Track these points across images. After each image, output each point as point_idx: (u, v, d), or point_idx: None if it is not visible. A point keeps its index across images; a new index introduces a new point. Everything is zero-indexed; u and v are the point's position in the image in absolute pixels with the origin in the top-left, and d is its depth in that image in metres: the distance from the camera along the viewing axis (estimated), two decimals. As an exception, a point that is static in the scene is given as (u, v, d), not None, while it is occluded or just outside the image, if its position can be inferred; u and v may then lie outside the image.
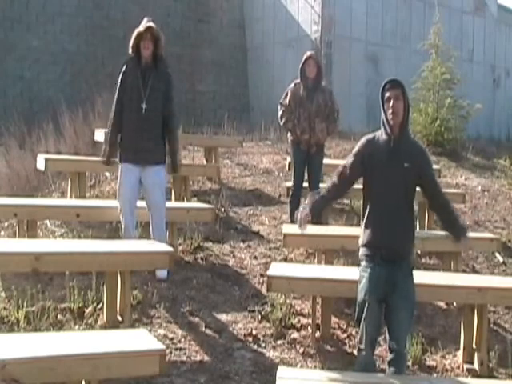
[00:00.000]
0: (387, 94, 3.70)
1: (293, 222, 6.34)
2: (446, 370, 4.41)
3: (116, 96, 5.16)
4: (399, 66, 12.68)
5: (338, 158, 9.36)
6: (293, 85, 6.50)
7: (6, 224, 6.08)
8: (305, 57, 6.41)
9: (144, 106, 5.04)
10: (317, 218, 5.30)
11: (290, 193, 6.56)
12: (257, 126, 11.08)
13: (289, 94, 6.47)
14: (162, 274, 5.13)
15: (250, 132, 10.61)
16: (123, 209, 5.15)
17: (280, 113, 6.50)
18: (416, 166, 3.76)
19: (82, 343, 3.28)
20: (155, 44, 5.08)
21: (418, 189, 3.87)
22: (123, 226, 5.21)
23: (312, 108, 6.30)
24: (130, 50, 5.15)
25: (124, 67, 5.17)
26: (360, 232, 3.96)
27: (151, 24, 5.08)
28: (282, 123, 6.53)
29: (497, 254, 6.58)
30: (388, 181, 3.76)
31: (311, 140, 6.34)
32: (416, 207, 7.18)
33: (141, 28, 5.08)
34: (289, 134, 6.57)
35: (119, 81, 5.15)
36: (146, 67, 5.11)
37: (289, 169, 7.33)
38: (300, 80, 6.43)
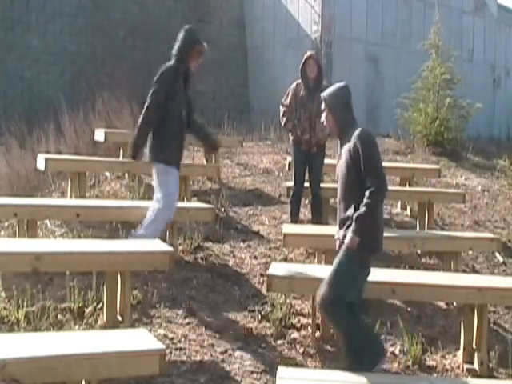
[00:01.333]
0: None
1: (294, 221, 6.37)
2: (446, 370, 4.41)
3: (160, 100, 5.17)
4: (399, 66, 12.68)
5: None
6: (294, 85, 6.51)
7: (6, 224, 6.08)
8: (305, 56, 6.42)
9: (184, 112, 5.33)
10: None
11: (291, 193, 6.55)
12: (257, 125, 11.08)
13: (290, 94, 6.49)
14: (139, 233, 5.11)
15: (249, 132, 10.61)
16: (171, 213, 5.21)
17: (281, 113, 6.53)
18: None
19: (81, 343, 3.28)
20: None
21: None
22: (160, 229, 5.21)
23: (313, 108, 6.26)
24: (177, 60, 5.26)
25: (169, 74, 5.23)
26: None
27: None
28: (282, 123, 6.55)
29: (497, 254, 6.58)
30: None
31: (312, 140, 6.35)
32: (416, 208, 7.20)
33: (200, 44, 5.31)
34: (290, 134, 6.59)
35: (165, 86, 5.18)
36: (185, 76, 5.37)
37: (289, 169, 7.34)
38: (301, 80, 6.44)
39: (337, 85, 4.33)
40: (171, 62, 5.26)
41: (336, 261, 4.02)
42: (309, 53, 6.53)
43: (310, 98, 6.32)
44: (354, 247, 3.87)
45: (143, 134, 5.22)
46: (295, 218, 6.55)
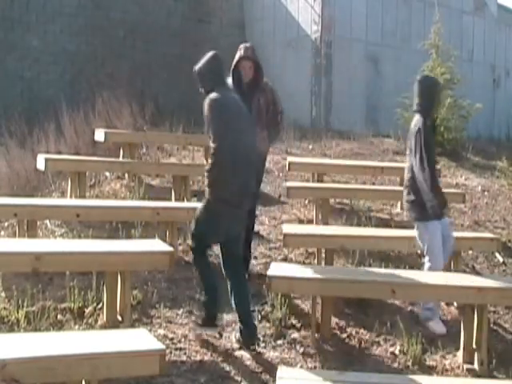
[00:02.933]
0: None
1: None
2: (446, 370, 4.41)
3: None
4: (399, 66, 12.68)
5: (337, 158, 9.37)
6: None
7: (6, 224, 6.07)
8: (237, 56, 5.19)
9: None
10: None
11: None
12: (257, 125, 11.06)
13: None
14: None
15: (249, 132, 10.58)
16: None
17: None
18: None
19: (81, 343, 3.28)
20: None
21: None
22: None
23: (251, 113, 4.99)
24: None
25: None
26: None
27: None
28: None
29: (497, 254, 6.58)
30: None
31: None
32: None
33: None
34: None
35: None
36: None
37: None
38: (232, 83, 5.13)
39: (206, 56, 4.56)
40: None
41: None
42: (242, 50, 5.22)
43: (246, 102, 4.86)
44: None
45: None
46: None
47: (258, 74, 5.22)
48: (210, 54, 4.56)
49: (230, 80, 5.09)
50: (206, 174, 4.34)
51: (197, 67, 4.52)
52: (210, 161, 4.32)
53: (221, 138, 4.25)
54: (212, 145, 4.25)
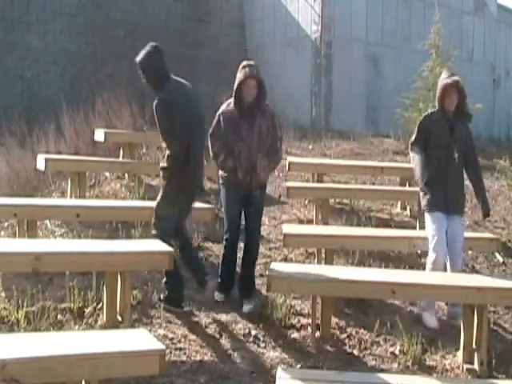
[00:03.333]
0: None
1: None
2: (446, 370, 4.41)
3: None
4: (399, 66, 12.68)
5: (337, 158, 9.37)
6: (224, 106, 5.00)
7: (6, 224, 6.08)
8: (243, 75, 4.82)
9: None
10: None
11: (223, 244, 5.12)
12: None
13: (222, 122, 4.94)
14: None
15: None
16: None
17: (214, 148, 4.96)
18: None
19: (81, 343, 3.28)
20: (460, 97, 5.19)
21: None
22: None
23: (253, 140, 4.88)
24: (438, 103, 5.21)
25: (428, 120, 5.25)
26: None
27: (457, 78, 5.18)
28: (219, 161, 4.96)
29: (497, 254, 6.58)
30: None
31: (253, 182, 4.92)
32: (416, 208, 7.19)
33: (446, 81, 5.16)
34: (222, 171, 5.05)
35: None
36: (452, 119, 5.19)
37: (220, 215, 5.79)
38: (234, 103, 4.88)
39: (146, 48, 4.74)
40: None
41: None
42: (247, 69, 4.83)
43: (248, 126, 4.87)
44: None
45: None
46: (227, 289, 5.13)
47: (261, 94, 4.91)
48: (149, 48, 4.68)
49: (231, 101, 4.92)
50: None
51: (138, 59, 4.66)
52: (166, 163, 4.66)
53: (173, 139, 4.62)
54: (168, 150, 4.65)
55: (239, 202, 4.98)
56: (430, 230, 5.07)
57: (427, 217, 5.14)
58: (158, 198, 4.84)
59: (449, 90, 5.10)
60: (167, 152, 4.66)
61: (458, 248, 5.08)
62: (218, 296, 5.04)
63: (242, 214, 5.06)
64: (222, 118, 4.92)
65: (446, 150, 5.10)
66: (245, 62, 4.94)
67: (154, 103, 4.60)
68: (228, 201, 5.01)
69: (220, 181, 5.12)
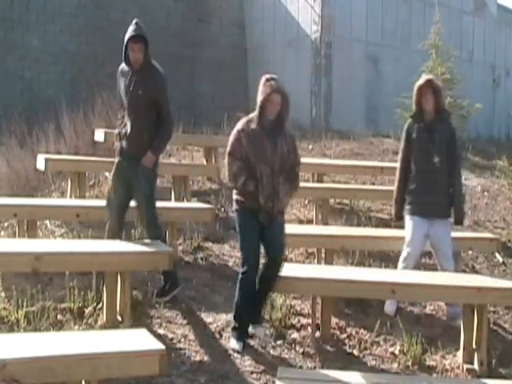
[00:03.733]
0: None
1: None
2: (446, 370, 4.41)
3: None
4: (399, 66, 12.67)
5: (337, 158, 9.37)
6: (244, 123, 4.43)
7: (5, 224, 6.07)
8: (268, 90, 4.33)
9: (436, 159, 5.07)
10: None
11: (239, 286, 4.42)
12: (257, 125, 11.05)
13: (242, 140, 4.39)
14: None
15: (249, 132, 10.58)
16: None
17: (232, 168, 4.42)
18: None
19: (81, 343, 3.28)
20: (435, 96, 5.09)
21: None
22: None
23: (275, 162, 4.39)
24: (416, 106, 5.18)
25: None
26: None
27: (430, 77, 5.16)
28: (239, 183, 4.39)
29: (497, 254, 6.58)
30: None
31: (274, 209, 4.40)
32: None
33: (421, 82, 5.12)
34: (239, 196, 4.46)
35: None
36: (430, 122, 5.13)
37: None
38: (257, 121, 4.38)
39: (136, 24, 4.80)
40: None
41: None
42: (273, 82, 4.37)
43: (271, 147, 4.38)
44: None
45: None
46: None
47: (284, 111, 4.40)
48: (139, 23, 4.77)
49: (252, 118, 4.42)
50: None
51: (142, 33, 4.74)
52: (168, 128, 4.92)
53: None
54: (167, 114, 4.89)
55: (259, 232, 4.40)
56: (407, 231, 5.13)
57: (406, 219, 5.17)
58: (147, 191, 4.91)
59: (423, 90, 5.08)
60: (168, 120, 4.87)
61: (445, 251, 5.07)
62: (237, 345, 4.35)
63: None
64: (242, 136, 4.37)
65: (426, 154, 5.07)
66: (268, 76, 4.44)
67: (160, 77, 4.86)
68: (246, 231, 4.42)
69: (235, 206, 4.51)
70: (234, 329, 4.44)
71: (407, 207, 5.15)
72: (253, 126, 4.37)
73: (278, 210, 4.42)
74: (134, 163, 4.88)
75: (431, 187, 5.06)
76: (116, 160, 5.02)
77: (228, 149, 4.44)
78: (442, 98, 5.18)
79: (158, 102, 4.88)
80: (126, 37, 4.75)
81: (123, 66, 4.96)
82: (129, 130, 4.90)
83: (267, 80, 4.38)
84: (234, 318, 4.44)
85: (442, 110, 5.17)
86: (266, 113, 4.36)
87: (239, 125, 4.44)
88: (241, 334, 4.41)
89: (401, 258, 5.12)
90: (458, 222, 5.16)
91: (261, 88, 4.38)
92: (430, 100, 5.06)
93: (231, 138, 4.44)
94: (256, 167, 4.34)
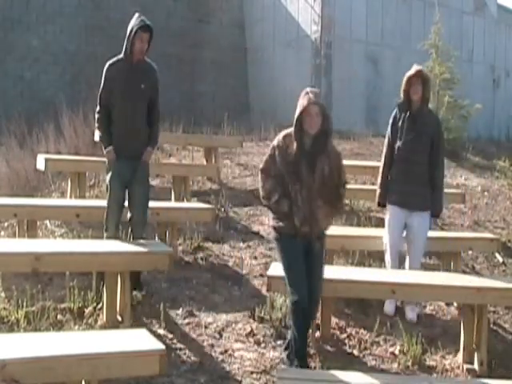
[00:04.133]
0: None
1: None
2: (446, 370, 4.41)
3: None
4: (399, 66, 12.64)
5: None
6: (280, 139, 4.12)
7: (5, 224, 6.08)
8: (305, 102, 4.03)
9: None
10: None
11: (293, 317, 4.10)
12: (257, 126, 11.08)
13: (276, 156, 4.09)
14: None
15: (249, 132, 10.61)
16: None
17: (266, 185, 4.13)
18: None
19: (81, 343, 3.28)
20: (424, 87, 5.11)
21: None
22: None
23: (313, 182, 4.06)
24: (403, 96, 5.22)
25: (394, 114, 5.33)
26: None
27: (420, 68, 5.17)
28: (272, 201, 4.10)
29: (497, 254, 6.58)
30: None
31: (313, 232, 4.11)
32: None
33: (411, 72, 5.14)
34: (276, 221, 4.16)
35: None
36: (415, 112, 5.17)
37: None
38: (295, 137, 4.05)
39: (140, 16, 4.95)
40: None
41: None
42: (311, 94, 4.05)
43: (308, 166, 4.05)
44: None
45: None
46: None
47: (326, 127, 4.04)
48: (141, 15, 4.89)
49: (289, 132, 4.09)
50: None
51: (148, 24, 4.86)
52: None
53: None
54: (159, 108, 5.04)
55: (302, 258, 4.08)
56: (386, 220, 5.23)
57: (387, 208, 5.22)
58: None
59: (413, 80, 5.10)
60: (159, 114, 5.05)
61: (417, 244, 5.08)
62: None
63: None
64: (277, 153, 4.08)
65: (408, 143, 5.09)
66: (308, 89, 4.14)
67: (156, 71, 5.02)
68: (289, 258, 4.09)
69: (273, 234, 4.25)
70: (292, 361, 4.06)
71: (388, 196, 5.19)
72: (289, 141, 4.05)
73: (316, 234, 4.10)
74: (133, 163, 4.87)
75: (411, 177, 5.06)
76: (112, 162, 4.93)
77: (261, 165, 4.18)
78: (429, 89, 5.24)
79: (153, 96, 4.91)
80: (135, 26, 4.75)
81: (115, 60, 4.94)
82: (128, 128, 4.85)
83: (306, 93, 4.08)
84: (294, 352, 4.05)
85: (427, 101, 5.22)
86: (305, 127, 4.02)
87: (275, 139, 4.15)
88: (302, 363, 4.04)
89: (385, 252, 5.23)
90: (436, 214, 5.17)
91: (299, 101, 4.08)
92: (419, 90, 5.10)
93: (266, 154, 4.19)
94: (290, 187, 4.04)
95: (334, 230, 6.04)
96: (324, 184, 4.06)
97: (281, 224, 4.10)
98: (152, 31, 4.82)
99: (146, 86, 4.86)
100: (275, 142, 4.12)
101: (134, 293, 4.81)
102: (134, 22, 4.79)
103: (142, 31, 4.76)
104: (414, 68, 5.18)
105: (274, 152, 4.09)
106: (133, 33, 4.74)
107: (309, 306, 4.02)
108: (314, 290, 4.06)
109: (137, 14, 4.85)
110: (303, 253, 4.08)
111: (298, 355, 4.04)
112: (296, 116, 4.01)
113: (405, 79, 5.15)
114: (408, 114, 5.17)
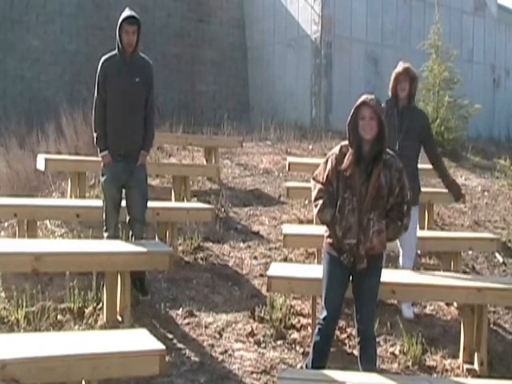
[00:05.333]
0: None
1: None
2: (446, 370, 4.41)
3: None
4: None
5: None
6: (337, 149, 3.86)
7: (5, 224, 6.08)
8: (358, 103, 3.88)
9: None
10: None
11: (316, 328, 3.90)
12: (257, 126, 11.08)
13: (329, 165, 3.83)
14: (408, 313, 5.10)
15: (249, 132, 10.61)
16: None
17: (315, 193, 3.87)
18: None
19: (81, 343, 3.28)
20: (411, 84, 5.17)
21: None
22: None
23: (366, 192, 3.70)
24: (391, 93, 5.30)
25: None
26: None
27: (407, 65, 5.19)
28: (316, 210, 3.83)
29: (497, 254, 6.58)
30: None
31: (360, 248, 3.72)
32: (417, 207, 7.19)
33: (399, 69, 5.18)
34: (325, 229, 3.91)
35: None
36: (402, 108, 5.22)
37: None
38: (349, 143, 3.80)
39: (130, 11, 4.82)
40: None
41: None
42: (369, 97, 3.89)
43: (362, 174, 3.72)
44: None
45: None
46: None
47: (381, 134, 3.72)
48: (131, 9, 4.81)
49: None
50: None
51: (136, 15, 4.73)
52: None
53: None
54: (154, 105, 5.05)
55: (345, 281, 3.83)
56: None
57: None
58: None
59: (400, 78, 5.17)
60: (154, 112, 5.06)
61: (408, 238, 4.99)
62: None
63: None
64: (331, 159, 3.82)
65: (394, 140, 5.09)
66: (365, 95, 3.97)
67: (151, 65, 4.96)
68: (329, 280, 3.83)
69: (324, 247, 3.94)
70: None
71: None
72: (346, 150, 3.80)
73: (365, 253, 3.72)
74: (131, 163, 4.85)
75: None
76: (107, 163, 4.91)
77: (315, 172, 3.95)
78: (416, 86, 5.32)
79: (147, 92, 4.87)
80: (120, 20, 4.71)
81: (109, 56, 4.86)
82: (125, 127, 4.80)
83: (361, 96, 3.92)
84: (310, 365, 3.91)
85: (413, 97, 5.30)
86: (360, 132, 3.74)
87: (334, 149, 3.91)
88: None
89: None
90: (458, 196, 5.27)
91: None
92: (406, 88, 5.18)
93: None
94: (338, 194, 3.75)
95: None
96: (379, 196, 3.71)
97: (330, 241, 3.82)
98: (139, 23, 4.72)
99: (141, 79, 4.81)
100: (332, 151, 3.90)
101: (142, 298, 4.82)
102: (121, 16, 4.76)
103: (128, 24, 4.69)
104: (401, 65, 5.22)
105: (328, 159, 3.85)
106: (119, 26, 4.72)
107: (364, 340, 3.85)
108: (364, 331, 3.86)
109: (126, 9, 4.80)
110: (347, 274, 3.80)
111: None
112: (348, 122, 3.80)
113: (392, 76, 5.24)
114: (395, 110, 5.24)
